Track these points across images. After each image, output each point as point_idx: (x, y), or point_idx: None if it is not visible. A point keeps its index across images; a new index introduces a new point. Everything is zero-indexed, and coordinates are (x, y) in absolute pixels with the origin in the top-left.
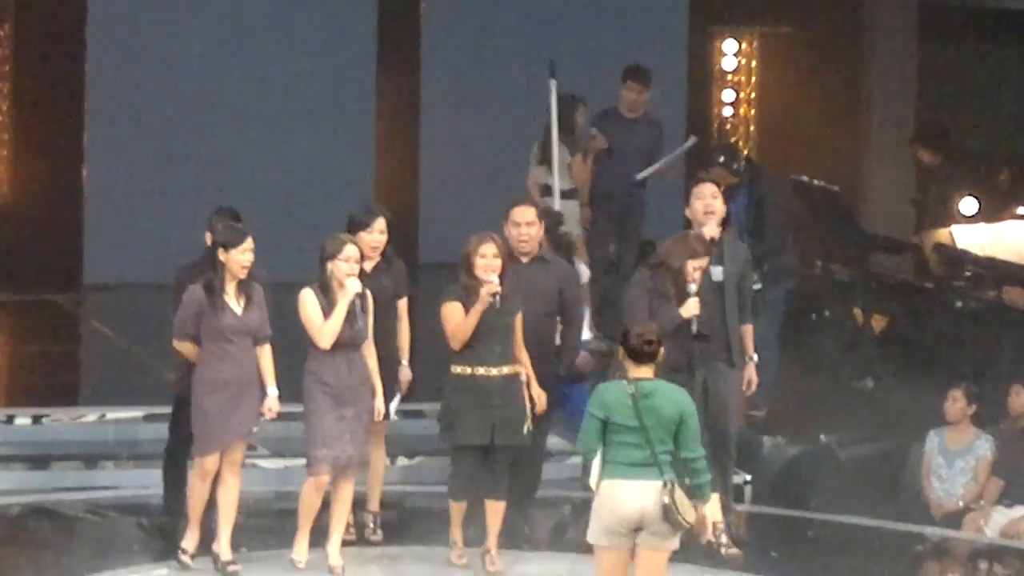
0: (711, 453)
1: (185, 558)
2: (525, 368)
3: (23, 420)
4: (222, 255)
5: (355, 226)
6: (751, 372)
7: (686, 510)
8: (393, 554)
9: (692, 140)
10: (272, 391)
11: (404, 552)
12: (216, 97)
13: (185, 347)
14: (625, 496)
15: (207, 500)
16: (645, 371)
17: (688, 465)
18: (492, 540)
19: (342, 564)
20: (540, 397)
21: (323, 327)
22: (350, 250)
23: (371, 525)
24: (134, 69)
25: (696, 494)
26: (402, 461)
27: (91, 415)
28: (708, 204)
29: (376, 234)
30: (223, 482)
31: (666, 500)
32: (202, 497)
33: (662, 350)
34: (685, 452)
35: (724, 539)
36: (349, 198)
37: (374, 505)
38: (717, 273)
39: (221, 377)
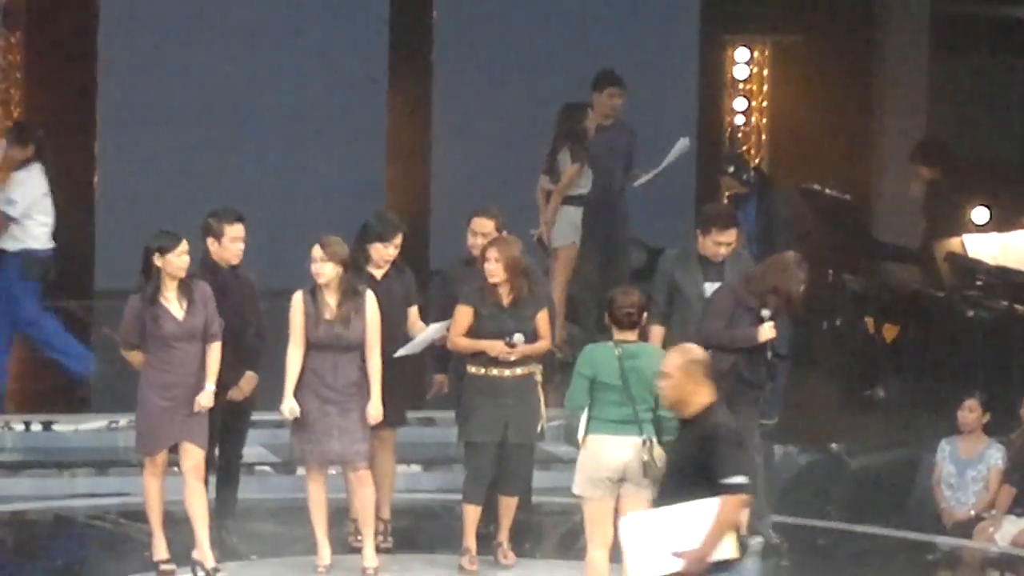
0: None
1: (167, 567)
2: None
3: (34, 427)
4: (158, 260)
5: (372, 236)
6: None
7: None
8: (404, 561)
9: (685, 142)
10: (209, 386)
11: (414, 559)
12: (228, 105)
13: (132, 356)
14: (608, 450)
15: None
16: (629, 335)
17: (663, 423)
18: (504, 533)
19: (376, 566)
20: None
21: (295, 340)
22: (315, 252)
23: (382, 532)
24: (146, 77)
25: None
26: (413, 468)
27: (101, 422)
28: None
29: (392, 248)
30: (189, 488)
31: (645, 457)
32: (158, 498)
33: (644, 316)
34: (661, 410)
35: None
36: (361, 205)
37: (384, 512)
38: (710, 289)
39: (164, 381)
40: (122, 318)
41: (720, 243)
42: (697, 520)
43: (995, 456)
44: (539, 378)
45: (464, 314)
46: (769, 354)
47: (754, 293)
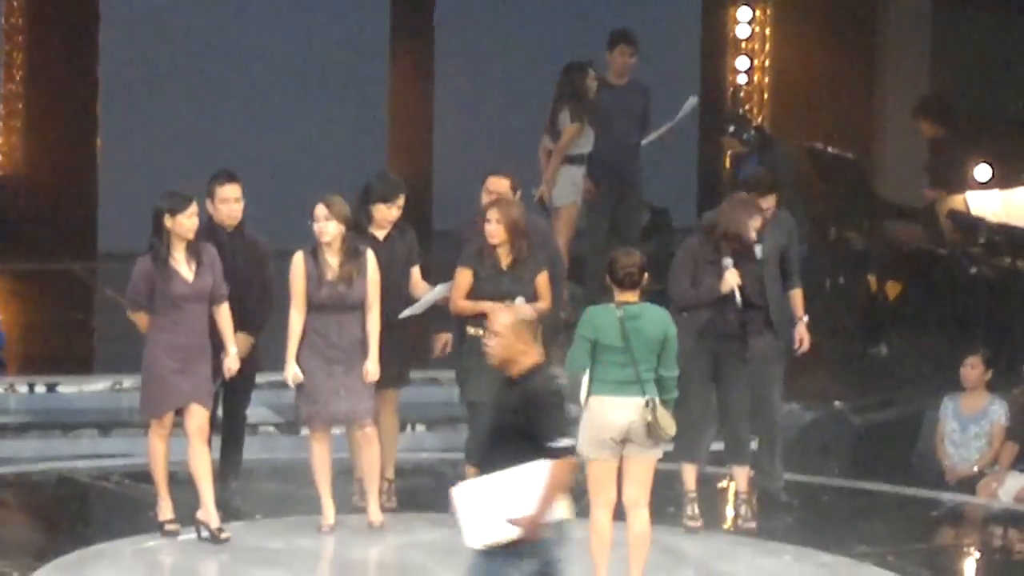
0: (753, 422)
1: (171, 527)
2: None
3: (39, 388)
4: (168, 221)
5: (375, 197)
6: (802, 331)
7: (667, 424)
8: (407, 520)
9: (694, 100)
10: (232, 349)
11: (418, 518)
12: (229, 66)
13: (138, 318)
14: (612, 411)
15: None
16: (630, 295)
17: (664, 381)
18: None
19: (381, 520)
20: None
21: (296, 302)
22: (319, 210)
23: (385, 492)
24: (148, 41)
25: (668, 407)
26: (417, 428)
27: (105, 383)
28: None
29: (395, 209)
30: (193, 450)
31: (649, 418)
32: (164, 459)
33: (646, 276)
34: (662, 370)
35: (744, 511)
36: (363, 166)
37: (388, 472)
38: (757, 251)
39: (173, 342)
40: (130, 279)
41: (762, 209)
42: (528, 484)
43: (998, 412)
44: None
45: (464, 276)
46: (739, 300)
47: (709, 244)
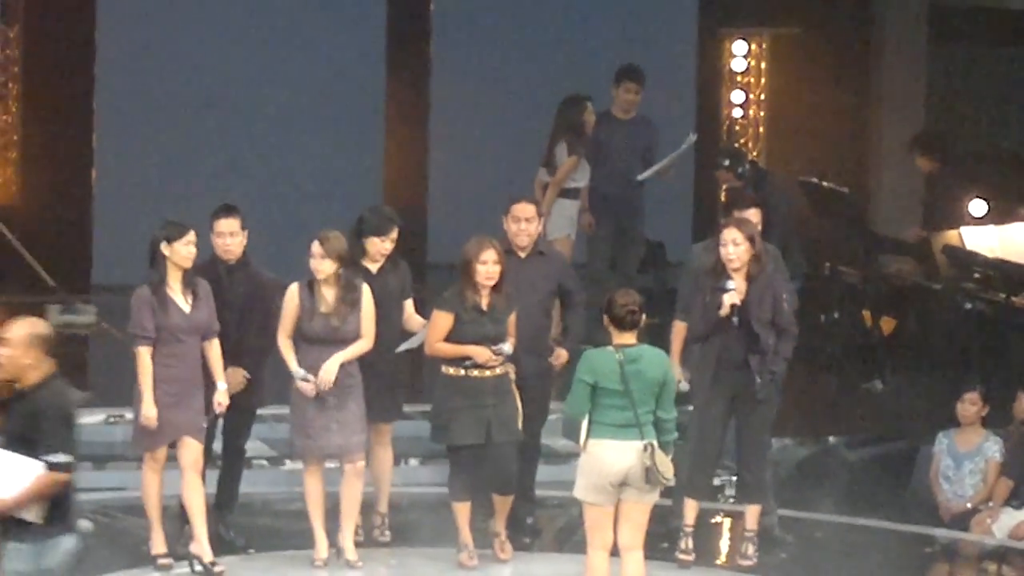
0: (741, 458)
1: (164, 562)
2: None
3: None
4: (165, 249)
5: (369, 230)
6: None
7: (666, 469)
8: (402, 555)
9: (692, 137)
10: (221, 385)
11: (413, 553)
12: (225, 99)
13: (144, 353)
14: (611, 456)
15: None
16: (629, 337)
17: (662, 424)
18: (500, 523)
19: (357, 558)
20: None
21: (284, 328)
22: (315, 247)
23: (379, 526)
24: (143, 71)
25: (667, 449)
26: (411, 462)
27: (99, 416)
28: (728, 254)
29: (388, 242)
30: (186, 483)
31: (647, 463)
32: (157, 492)
33: (644, 317)
34: (660, 412)
35: (748, 549)
36: (358, 199)
37: (382, 506)
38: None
39: (168, 375)
40: (131, 312)
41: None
42: (15, 473)
43: (992, 449)
44: (512, 376)
45: (444, 319)
46: (735, 320)
47: (706, 272)
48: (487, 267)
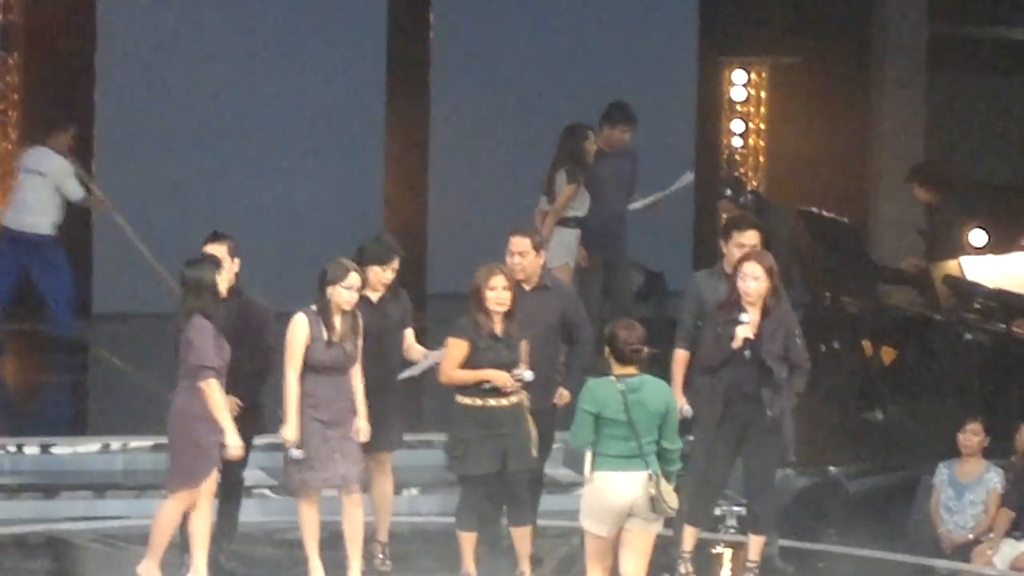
0: (749, 489)
1: None
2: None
3: (31, 450)
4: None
5: (370, 259)
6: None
7: (671, 499)
8: None
9: (688, 176)
10: (230, 431)
11: None
12: (225, 126)
13: (213, 385)
14: (616, 488)
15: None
16: (630, 369)
17: (666, 454)
18: (525, 563)
19: None
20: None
21: (293, 363)
22: (352, 278)
23: (380, 556)
24: (143, 98)
25: (671, 479)
26: (412, 492)
27: (99, 444)
28: (747, 287)
29: (389, 272)
30: (199, 510)
31: (652, 492)
32: (175, 528)
33: (645, 350)
34: (664, 442)
35: None
36: (358, 227)
37: (383, 535)
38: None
39: (209, 413)
40: (196, 347)
41: (743, 245)
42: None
43: (993, 480)
44: (527, 403)
45: (459, 347)
46: (747, 354)
47: (720, 304)
48: (496, 293)
